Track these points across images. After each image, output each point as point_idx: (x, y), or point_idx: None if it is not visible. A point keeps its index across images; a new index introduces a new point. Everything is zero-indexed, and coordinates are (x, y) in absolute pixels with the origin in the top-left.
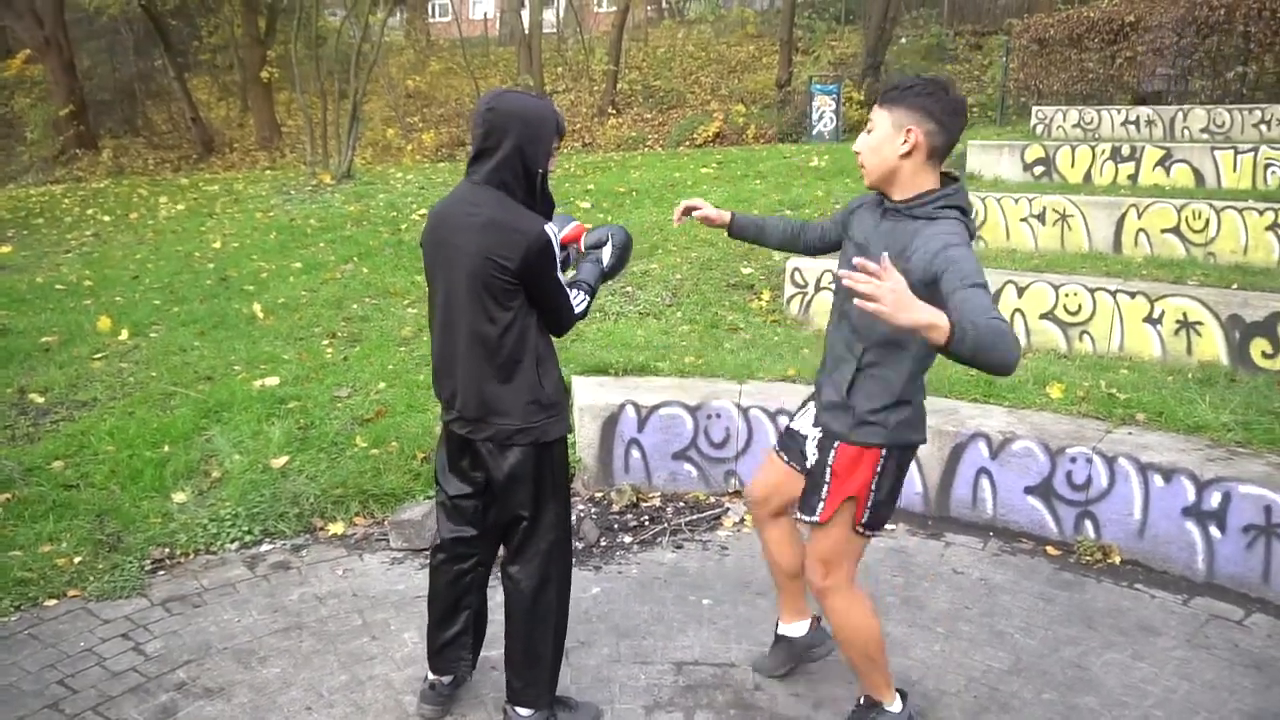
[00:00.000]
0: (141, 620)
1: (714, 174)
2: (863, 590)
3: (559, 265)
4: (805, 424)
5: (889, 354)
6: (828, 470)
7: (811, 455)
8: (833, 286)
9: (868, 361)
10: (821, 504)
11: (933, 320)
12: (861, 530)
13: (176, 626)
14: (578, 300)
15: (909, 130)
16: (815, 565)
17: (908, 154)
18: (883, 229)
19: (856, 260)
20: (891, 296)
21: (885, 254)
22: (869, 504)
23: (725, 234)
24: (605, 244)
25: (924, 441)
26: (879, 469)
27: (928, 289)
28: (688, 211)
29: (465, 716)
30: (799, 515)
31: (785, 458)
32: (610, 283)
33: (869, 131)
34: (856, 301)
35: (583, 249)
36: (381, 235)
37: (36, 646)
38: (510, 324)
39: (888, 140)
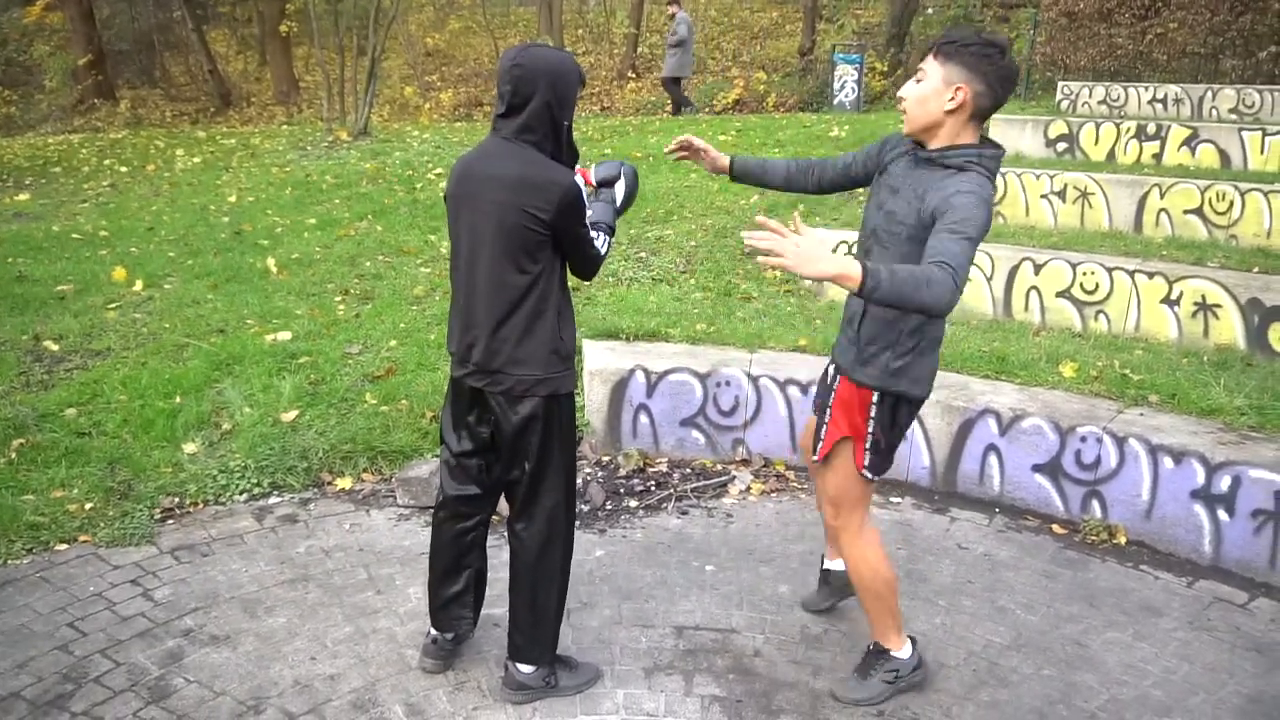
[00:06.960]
0: (151, 567)
1: (732, 141)
2: (875, 534)
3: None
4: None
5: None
6: (828, 408)
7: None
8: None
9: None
10: (820, 442)
11: (841, 270)
12: (864, 474)
13: (185, 574)
14: (600, 242)
15: (959, 88)
16: (824, 503)
17: (953, 111)
18: (914, 175)
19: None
20: (794, 250)
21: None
22: (866, 447)
23: (728, 180)
24: (616, 180)
25: (923, 397)
26: (871, 414)
27: (928, 230)
28: (685, 147)
29: (467, 671)
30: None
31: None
32: (624, 249)
33: (918, 80)
34: (759, 259)
35: (593, 185)
36: (397, 194)
37: (47, 590)
38: (538, 276)
39: (936, 94)
